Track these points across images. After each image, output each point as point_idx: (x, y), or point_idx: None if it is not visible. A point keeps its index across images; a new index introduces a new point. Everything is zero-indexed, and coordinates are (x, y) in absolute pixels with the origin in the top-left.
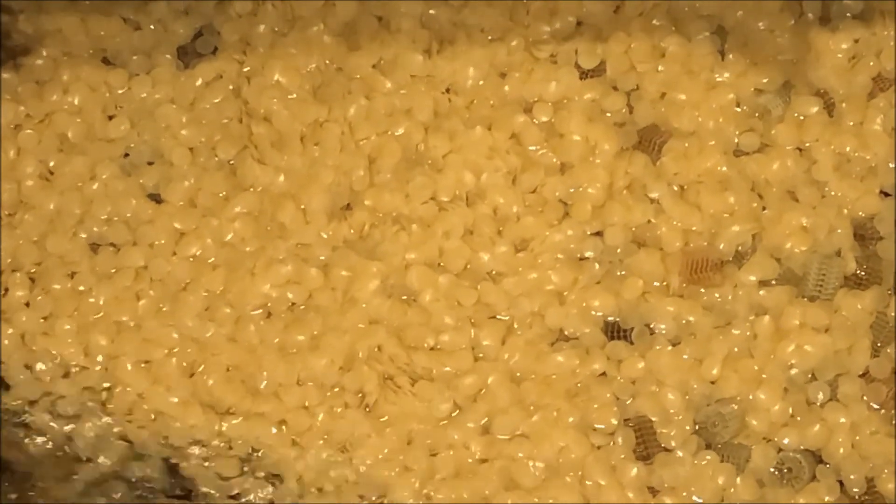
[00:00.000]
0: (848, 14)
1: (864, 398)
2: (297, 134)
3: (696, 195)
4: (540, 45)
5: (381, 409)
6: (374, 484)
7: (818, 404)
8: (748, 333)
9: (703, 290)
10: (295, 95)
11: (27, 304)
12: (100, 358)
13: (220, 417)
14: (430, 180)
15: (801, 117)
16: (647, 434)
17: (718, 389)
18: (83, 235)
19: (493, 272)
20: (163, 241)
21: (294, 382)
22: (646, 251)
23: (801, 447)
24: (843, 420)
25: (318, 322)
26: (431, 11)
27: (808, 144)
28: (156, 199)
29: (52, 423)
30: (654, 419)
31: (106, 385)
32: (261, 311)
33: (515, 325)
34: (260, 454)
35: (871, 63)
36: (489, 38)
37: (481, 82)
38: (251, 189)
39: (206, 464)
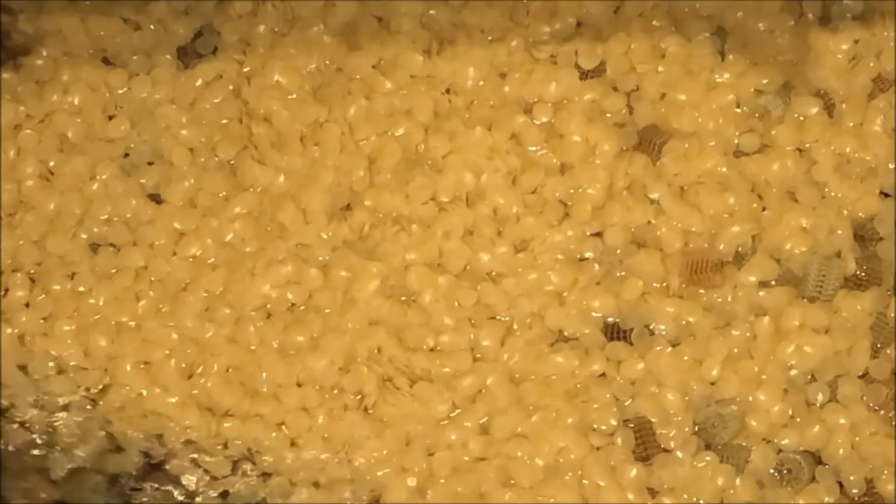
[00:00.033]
0: (848, 15)
1: (864, 399)
2: (297, 134)
3: (695, 196)
4: (540, 46)
5: (381, 410)
6: (369, 483)
7: (818, 405)
8: (748, 334)
9: (702, 290)
10: (295, 96)
11: (27, 305)
12: (99, 359)
13: (218, 419)
14: (430, 181)
15: (801, 118)
16: (646, 435)
17: (718, 390)
18: (83, 236)
19: (493, 273)
20: (162, 242)
21: (293, 383)
22: (646, 252)
23: (801, 448)
24: (842, 421)
25: (318, 323)
26: (431, 12)
27: (808, 145)
28: (156, 199)
29: (35, 412)
30: (653, 420)
31: (101, 384)
32: (260, 311)
33: (515, 326)
34: (254, 453)
35: (871, 64)
36: (489, 38)
37: (481, 83)
38: (251, 189)
39: (196, 462)
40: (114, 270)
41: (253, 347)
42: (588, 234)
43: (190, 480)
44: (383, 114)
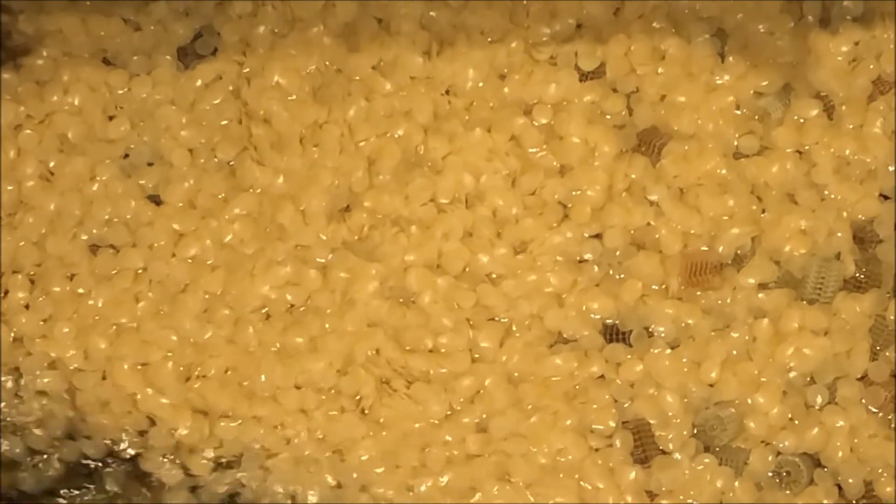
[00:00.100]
0: (848, 17)
1: (863, 401)
2: (297, 135)
3: (695, 198)
4: (540, 47)
5: (377, 412)
6: (359, 480)
7: (817, 407)
8: (747, 336)
9: (701, 292)
10: (294, 97)
11: (27, 307)
12: (98, 360)
13: (212, 421)
14: (430, 182)
15: (801, 120)
16: (645, 437)
17: (717, 392)
18: (83, 237)
19: (492, 274)
20: (162, 243)
21: (292, 385)
22: (645, 254)
23: (800, 450)
24: (841, 423)
25: (317, 324)
26: (431, 13)
27: (807, 147)
28: (155, 200)
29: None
30: (652, 422)
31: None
32: (259, 313)
33: (514, 328)
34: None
35: (871, 66)
36: (489, 39)
37: (481, 84)
38: (250, 190)
39: (173, 460)
40: (113, 272)
41: (252, 349)
42: (587, 235)
43: (166, 475)
44: (383, 115)
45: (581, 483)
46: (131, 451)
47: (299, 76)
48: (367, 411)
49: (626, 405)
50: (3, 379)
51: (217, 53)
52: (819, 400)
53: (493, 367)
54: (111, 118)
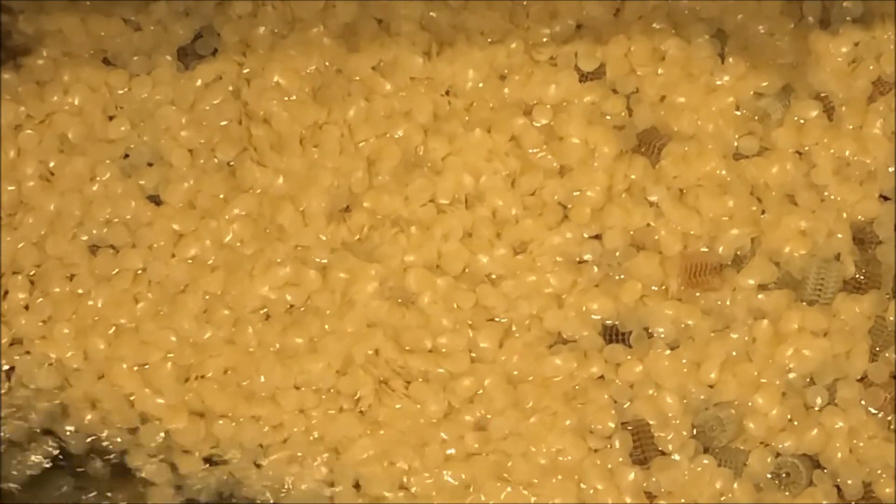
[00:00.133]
0: (848, 17)
1: (863, 402)
2: (297, 136)
3: (695, 199)
4: (540, 48)
5: (376, 411)
6: (352, 477)
7: (816, 408)
8: (746, 337)
9: (701, 293)
10: (294, 97)
11: (26, 307)
12: (97, 361)
13: (208, 421)
14: (430, 183)
15: (801, 121)
16: (644, 438)
17: (716, 393)
18: (83, 237)
19: (492, 275)
20: (162, 243)
21: (291, 385)
22: (644, 254)
23: (799, 452)
24: (840, 424)
25: (317, 324)
26: (431, 13)
27: (807, 148)
28: (155, 200)
29: None
30: (651, 423)
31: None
32: (259, 313)
33: (514, 328)
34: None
35: (871, 67)
36: (489, 40)
37: (481, 85)
38: (250, 191)
39: (162, 459)
40: (113, 272)
41: (251, 349)
42: (587, 236)
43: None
44: (383, 115)
45: (580, 484)
46: (117, 448)
47: (299, 77)
48: (364, 411)
49: (625, 406)
50: None
51: (217, 54)
52: (818, 401)
53: (493, 368)
54: (111, 118)
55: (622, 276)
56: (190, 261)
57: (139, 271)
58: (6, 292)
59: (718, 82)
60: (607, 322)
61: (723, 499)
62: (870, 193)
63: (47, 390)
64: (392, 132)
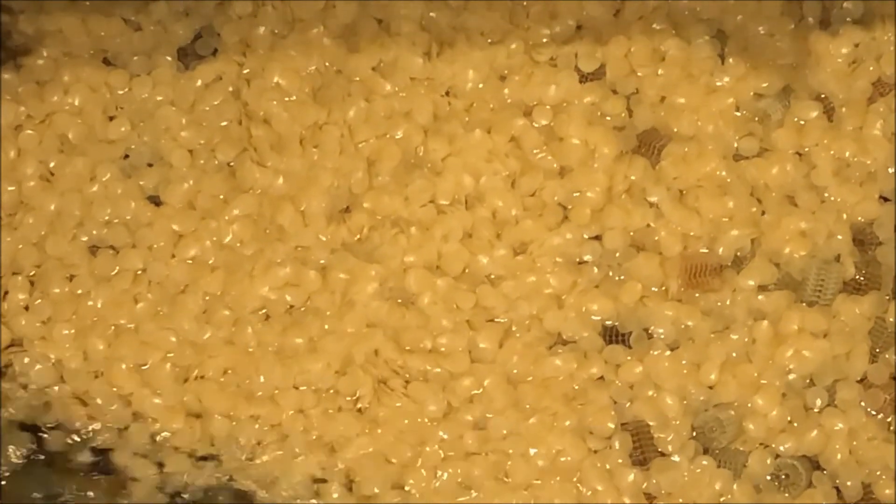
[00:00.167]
0: (848, 18)
1: (862, 404)
2: (297, 136)
3: (695, 199)
4: (540, 49)
5: (374, 410)
6: (347, 475)
7: (816, 410)
8: (746, 338)
9: (701, 294)
10: (294, 98)
11: (26, 308)
12: (97, 361)
13: (204, 422)
14: (429, 183)
15: (801, 122)
16: (644, 438)
17: (716, 394)
18: (83, 238)
19: (492, 275)
20: (162, 244)
21: (290, 386)
22: (644, 255)
23: (799, 453)
24: (840, 426)
25: (316, 325)
26: (431, 14)
27: (807, 149)
28: (155, 201)
29: None
30: (651, 424)
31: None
32: (259, 313)
33: (513, 328)
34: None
35: (871, 68)
36: (489, 41)
37: (481, 85)
38: (250, 191)
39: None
40: (112, 273)
41: (251, 350)
42: (587, 237)
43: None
44: (383, 116)
45: (579, 485)
46: (104, 445)
47: (299, 77)
48: (363, 409)
49: (625, 407)
50: None
51: (217, 54)
52: (818, 402)
53: (493, 368)
54: (111, 119)
55: (622, 277)
56: (190, 261)
57: (139, 272)
58: (6, 293)
59: (718, 83)
60: (607, 323)
61: (722, 500)
62: (870, 194)
63: (38, 387)
64: (392, 133)
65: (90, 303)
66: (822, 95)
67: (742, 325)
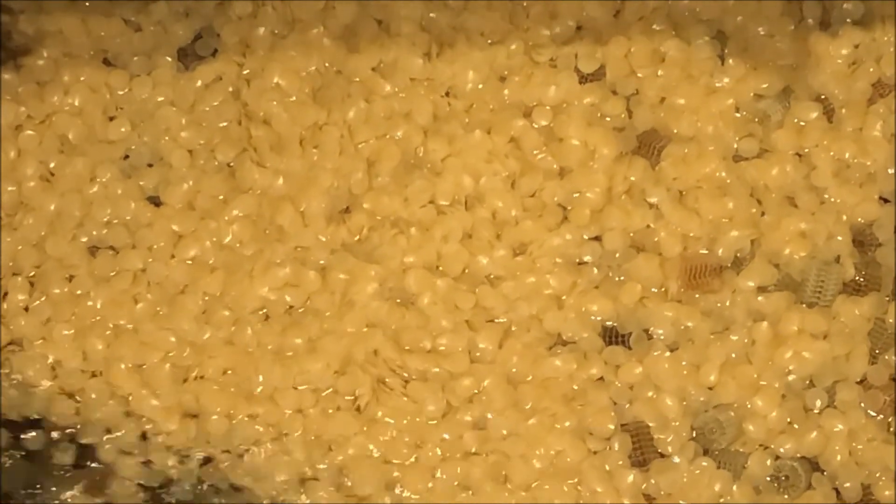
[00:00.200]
0: (848, 19)
1: (862, 405)
2: (297, 137)
3: (694, 200)
4: (540, 49)
5: (373, 410)
6: (342, 475)
7: (816, 411)
8: (746, 339)
9: (700, 295)
10: (294, 98)
11: (26, 309)
12: (96, 362)
13: (202, 419)
14: (429, 184)
15: (801, 123)
16: (643, 440)
17: (716, 395)
18: (83, 238)
19: (492, 276)
20: (161, 244)
21: (290, 386)
22: (644, 256)
23: (799, 454)
24: (840, 427)
25: (316, 325)
26: (431, 14)
27: (807, 150)
28: (155, 201)
29: None
30: (651, 425)
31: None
32: (258, 314)
33: (513, 329)
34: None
35: (871, 69)
36: (489, 41)
37: (481, 86)
38: (250, 192)
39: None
40: (112, 273)
41: (250, 350)
42: (587, 237)
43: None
44: (382, 116)
45: (579, 486)
46: (91, 441)
47: (299, 77)
48: (361, 408)
49: (624, 407)
50: None
51: (217, 54)
52: (818, 403)
53: (492, 368)
54: (111, 119)
55: (622, 278)
56: (189, 262)
57: (139, 272)
58: (5, 293)
59: (718, 84)
60: (607, 323)
61: (722, 501)
62: (869, 195)
63: (29, 382)
64: (392, 133)
65: (90, 303)
66: (822, 96)
67: (742, 326)
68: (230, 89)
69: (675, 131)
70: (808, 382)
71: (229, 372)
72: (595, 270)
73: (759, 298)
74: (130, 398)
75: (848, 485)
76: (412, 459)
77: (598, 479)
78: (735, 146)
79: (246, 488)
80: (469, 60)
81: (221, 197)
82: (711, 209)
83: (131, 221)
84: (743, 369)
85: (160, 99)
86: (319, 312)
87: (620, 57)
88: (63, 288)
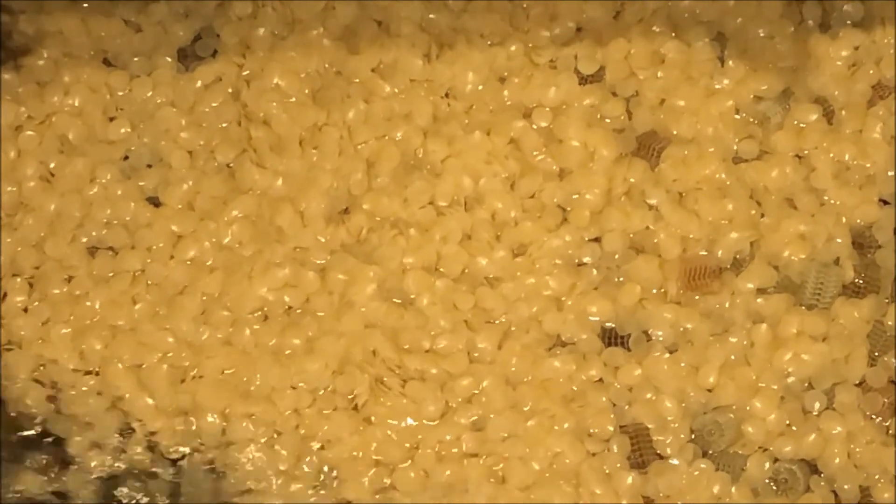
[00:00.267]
0: (848, 21)
1: (861, 407)
2: (296, 137)
3: (694, 202)
4: (539, 51)
5: (370, 409)
6: (332, 476)
7: (814, 413)
8: (745, 341)
9: (700, 297)
10: (294, 99)
11: (25, 310)
12: (94, 362)
13: (197, 418)
14: (429, 185)
15: (801, 125)
16: (642, 441)
17: (715, 397)
18: (83, 239)
19: (491, 277)
20: (161, 245)
21: (288, 386)
22: (644, 257)
23: (798, 457)
24: (839, 429)
25: (315, 326)
26: (431, 16)
27: (807, 152)
28: (154, 202)
29: None
30: (650, 426)
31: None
32: (257, 314)
33: (513, 329)
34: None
35: (871, 71)
36: (489, 42)
37: (480, 87)
38: (249, 192)
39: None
40: (111, 274)
41: (249, 350)
42: (586, 239)
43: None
44: (382, 117)
45: (578, 488)
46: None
47: (299, 78)
48: (359, 408)
49: (623, 409)
50: None
51: (217, 55)
52: (817, 406)
53: (492, 369)
54: (111, 120)
55: (621, 279)
56: (188, 262)
57: (138, 273)
58: (5, 294)
59: (718, 86)
60: (606, 325)
61: (720, 503)
62: (869, 197)
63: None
64: (391, 134)
65: (88, 303)
66: (822, 98)
67: (741, 328)
68: (230, 90)
69: (675, 133)
70: (807, 384)
71: (227, 372)
72: (594, 272)
73: (759, 300)
74: (127, 396)
75: (846, 487)
76: (407, 460)
77: (596, 481)
78: (735, 148)
79: (227, 490)
80: (469, 62)
81: (221, 198)
82: (711, 211)
83: (131, 222)
84: (742, 371)
85: (160, 100)
86: (318, 313)
87: (620, 58)
88: (62, 288)
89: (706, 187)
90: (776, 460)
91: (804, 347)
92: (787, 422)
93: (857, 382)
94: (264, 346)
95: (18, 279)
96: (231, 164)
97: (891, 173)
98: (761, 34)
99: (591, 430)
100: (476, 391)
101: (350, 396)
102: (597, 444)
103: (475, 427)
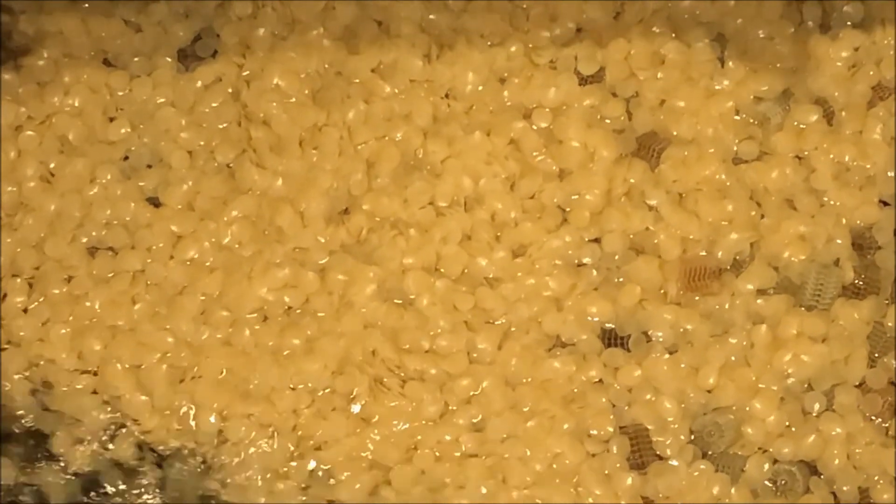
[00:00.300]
0: (848, 22)
1: (860, 409)
2: (296, 138)
3: (694, 203)
4: (539, 51)
5: (369, 410)
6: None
7: (814, 414)
8: (745, 342)
9: (700, 298)
10: (294, 99)
11: (25, 311)
12: (93, 362)
13: (196, 417)
14: (429, 185)
15: (801, 125)
16: (642, 442)
17: (715, 398)
18: (83, 239)
19: (491, 277)
20: (160, 245)
21: (287, 387)
22: (644, 258)
23: (797, 458)
24: (838, 431)
25: (314, 326)
26: (431, 16)
27: (807, 153)
28: (154, 202)
29: None
30: (649, 427)
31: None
32: (257, 315)
33: (512, 330)
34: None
35: (871, 72)
36: (489, 43)
37: (480, 88)
38: (249, 193)
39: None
40: (111, 274)
41: (248, 351)
42: (586, 239)
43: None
44: (382, 118)
45: (577, 488)
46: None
47: (299, 78)
48: (356, 407)
49: (623, 410)
50: None
51: (217, 55)
52: (816, 407)
53: (491, 370)
54: (111, 120)
55: (621, 280)
56: (188, 262)
57: (137, 273)
58: (5, 295)
59: (718, 86)
60: (606, 326)
61: None
62: (869, 199)
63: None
64: (391, 134)
65: (87, 304)
66: (822, 99)
67: (741, 329)
68: (230, 90)
69: (675, 133)
70: (806, 386)
71: (226, 373)
72: (594, 272)
73: (759, 301)
74: (126, 397)
75: (846, 488)
76: (405, 461)
77: (596, 482)
78: (735, 149)
79: (213, 486)
80: (469, 62)
81: (221, 198)
82: (711, 212)
83: (130, 222)
84: (742, 372)
85: (160, 100)
86: (317, 313)
87: (620, 59)
88: (62, 289)
89: (706, 188)
90: (776, 461)
91: (804, 348)
92: (787, 423)
93: (857, 384)
94: (264, 346)
95: (18, 279)
96: (231, 165)
97: (891, 174)
98: (761, 35)
99: (591, 431)
100: (476, 392)
101: (350, 397)
102: (596, 445)
103: (475, 428)
